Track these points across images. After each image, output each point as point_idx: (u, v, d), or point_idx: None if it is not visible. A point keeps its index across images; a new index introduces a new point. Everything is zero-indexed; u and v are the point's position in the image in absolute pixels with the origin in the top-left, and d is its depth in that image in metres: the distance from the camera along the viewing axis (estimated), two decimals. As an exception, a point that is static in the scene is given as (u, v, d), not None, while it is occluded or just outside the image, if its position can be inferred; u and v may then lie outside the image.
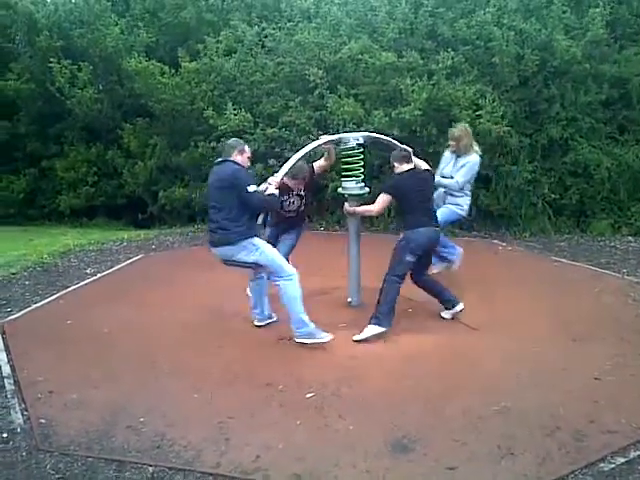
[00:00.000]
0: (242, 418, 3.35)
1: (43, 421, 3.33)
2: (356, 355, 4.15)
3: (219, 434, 3.18)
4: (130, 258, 6.86)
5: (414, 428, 3.22)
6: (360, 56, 7.78)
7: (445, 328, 4.59)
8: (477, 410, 3.40)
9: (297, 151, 4.78)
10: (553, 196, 7.66)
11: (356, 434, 3.19)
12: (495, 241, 7.32)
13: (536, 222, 7.69)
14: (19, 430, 3.27)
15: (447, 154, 5.48)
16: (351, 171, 4.81)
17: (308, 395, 3.60)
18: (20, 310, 5.15)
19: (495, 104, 7.33)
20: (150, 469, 2.90)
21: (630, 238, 7.26)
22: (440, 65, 7.48)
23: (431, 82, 7.44)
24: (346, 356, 4.14)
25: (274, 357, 4.17)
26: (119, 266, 6.55)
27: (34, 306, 5.28)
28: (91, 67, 9.56)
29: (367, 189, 4.92)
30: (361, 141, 4.77)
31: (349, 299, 5.03)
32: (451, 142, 5.36)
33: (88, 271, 6.38)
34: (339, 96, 7.77)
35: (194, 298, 5.33)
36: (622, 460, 2.93)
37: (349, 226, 5.00)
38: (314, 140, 5.11)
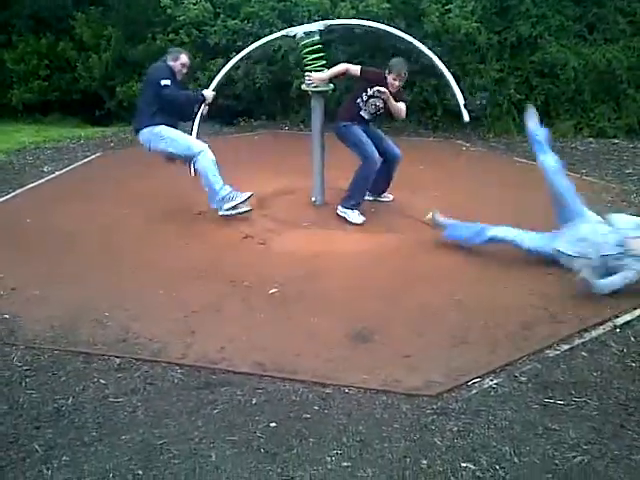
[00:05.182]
0: (207, 313, 3.43)
1: (7, 316, 3.35)
2: (319, 253, 4.22)
3: (184, 328, 3.26)
4: (88, 156, 6.68)
5: (374, 321, 3.35)
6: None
7: (407, 227, 4.67)
8: (434, 304, 3.54)
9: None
10: (518, 96, 7.61)
11: (318, 327, 3.30)
12: (459, 141, 7.32)
13: (501, 123, 7.68)
14: (-18, 325, 3.29)
15: None
16: (313, 65, 4.68)
17: (271, 291, 3.68)
18: (-24, 208, 5.03)
19: (465, -2, 7.09)
20: (117, 360, 2.97)
21: (591, 139, 7.35)
22: (410, -47, 7.12)
23: (400, -28, 7.11)
24: (309, 254, 4.20)
25: (238, 255, 4.21)
26: (77, 164, 6.38)
27: (-10, 204, 5.15)
28: (35, -53, 8.81)
29: (331, 85, 4.80)
30: (312, 29, 4.59)
31: (313, 198, 5.04)
32: None
33: (45, 169, 6.20)
34: (304, -15, 7.38)
35: (157, 196, 5.26)
36: (566, 347, 3.12)
37: (313, 125, 4.91)
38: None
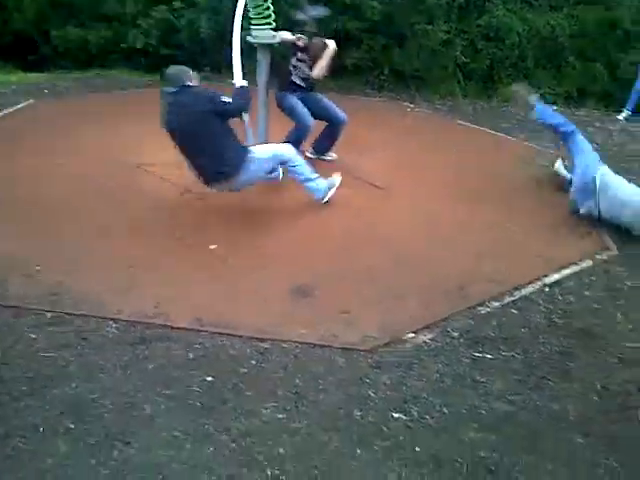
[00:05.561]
0: (144, 268, 3.36)
1: None
2: (262, 210, 4.18)
3: (120, 283, 3.19)
4: (20, 104, 6.31)
5: (314, 277, 3.36)
6: None
7: (352, 186, 4.66)
8: (376, 262, 3.58)
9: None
10: (464, 59, 7.66)
11: (259, 283, 3.29)
12: (405, 103, 7.33)
13: (445, 85, 7.72)
14: None
15: None
16: (260, 18, 4.54)
17: (211, 247, 3.63)
18: None
19: (415, -45, 7.00)
20: (49, 315, 2.88)
21: (531, 107, 7.48)
22: None
23: None
24: (251, 210, 4.16)
25: (178, 210, 4.12)
26: (7, 112, 6.03)
27: None
28: None
29: (278, 38, 4.68)
30: None
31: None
32: None
33: (-28, 116, 5.85)
34: None
35: (94, 149, 5.06)
36: (497, 304, 3.24)
37: (258, 79, 4.79)
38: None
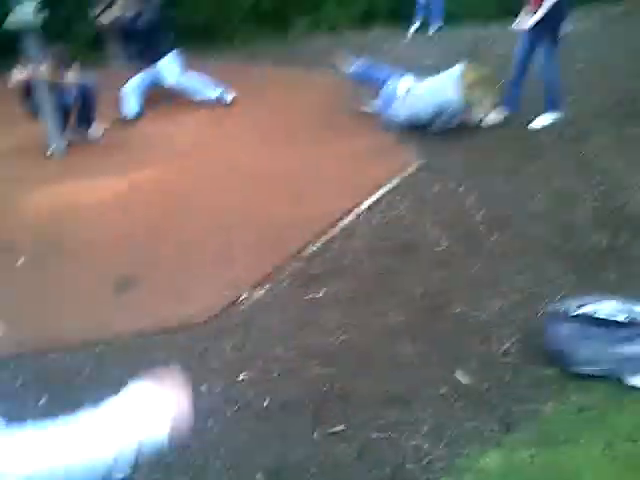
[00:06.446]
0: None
1: None
2: (67, 209, 3.88)
3: None
4: None
5: (137, 266, 3.25)
6: None
7: (158, 159, 4.53)
8: (194, 235, 3.52)
9: None
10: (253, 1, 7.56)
11: (80, 282, 3.15)
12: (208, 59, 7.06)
13: (241, 33, 7.59)
14: None
15: None
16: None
17: (20, 261, 3.36)
18: None
19: None
20: None
21: (325, 37, 7.54)
22: None
23: None
24: (56, 212, 3.86)
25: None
26: None
27: None
28: None
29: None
30: None
31: (49, 151, 4.59)
32: None
33: None
34: None
35: None
36: (320, 242, 3.35)
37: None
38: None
